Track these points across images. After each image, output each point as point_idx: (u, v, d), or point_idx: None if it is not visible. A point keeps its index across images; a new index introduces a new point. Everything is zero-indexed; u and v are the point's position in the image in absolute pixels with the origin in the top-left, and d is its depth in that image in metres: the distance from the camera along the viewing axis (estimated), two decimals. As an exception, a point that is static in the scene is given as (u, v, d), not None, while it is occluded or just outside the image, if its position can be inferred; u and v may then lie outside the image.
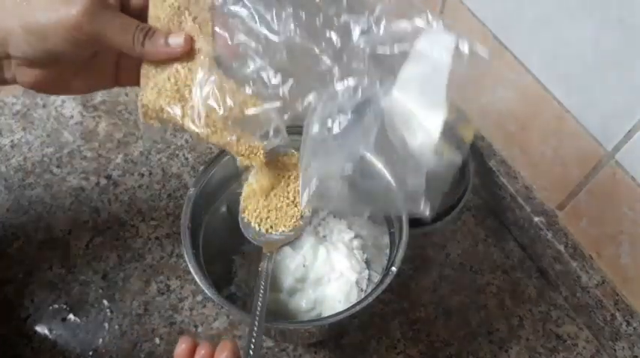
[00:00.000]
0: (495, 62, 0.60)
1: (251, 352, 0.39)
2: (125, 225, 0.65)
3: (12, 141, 0.71)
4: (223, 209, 0.56)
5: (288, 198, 0.48)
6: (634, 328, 0.55)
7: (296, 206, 0.48)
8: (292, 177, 0.48)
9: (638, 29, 0.44)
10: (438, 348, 0.59)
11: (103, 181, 0.68)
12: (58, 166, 0.69)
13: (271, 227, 0.48)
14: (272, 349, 0.58)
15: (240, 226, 0.48)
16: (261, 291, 0.43)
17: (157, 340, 0.58)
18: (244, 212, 0.48)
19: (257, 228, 0.48)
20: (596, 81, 0.49)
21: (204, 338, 0.58)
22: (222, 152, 0.53)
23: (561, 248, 0.59)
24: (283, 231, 0.48)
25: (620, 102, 0.48)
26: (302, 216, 0.48)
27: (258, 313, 0.42)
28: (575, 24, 0.49)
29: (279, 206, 0.48)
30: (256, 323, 0.41)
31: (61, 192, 0.67)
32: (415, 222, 0.58)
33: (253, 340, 0.40)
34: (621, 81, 0.47)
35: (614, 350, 0.57)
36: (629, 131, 0.48)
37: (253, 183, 0.48)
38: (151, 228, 0.65)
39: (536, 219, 0.61)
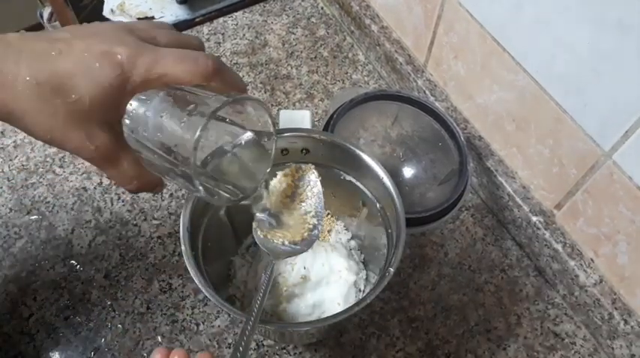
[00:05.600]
0: (494, 63, 0.60)
1: (238, 354, 0.39)
2: (127, 225, 0.66)
3: (15, 141, 0.72)
4: (222, 211, 0.57)
5: (298, 213, 0.49)
6: (631, 327, 0.55)
7: (306, 222, 0.49)
8: (302, 195, 0.50)
9: (636, 30, 0.44)
10: (436, 346, 0.59)
11: (106, 181, 0.69)
12: (60, 166, 0.70)
13: (280, 238, 0.48)
14: (273, 347, 0.58)
15: (253, 234, 0.48)
16: (260, 296, 0.43)
17: (159, 338, 0.59)
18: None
19: (267, 237, 0.48)
20: (593, 82, 0.50)
21: (206, 336, 0.59)
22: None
23: (559, 247, 0.59)
24: (290, 243, 0.48)
25: (618, 103, 0.48)
26: (311, 231, 0.48)
27: (253, 317, 0.42)
28: (573, 25, 0.49)
29: (289, 221, 0.49)
30: (249, 327, 0.41)
31: (63, 191, 0.68)
32: (414, 221, 0.59)
33: (243, 343, 0.40)
34: (618, 81, 0.47)
35: (612, 348, 0.58)
36: (627, 131, 0.49)
37: (265, 198, 0.48)
38: (153, 228, 0.66)
39: (533, 218, 0.61)
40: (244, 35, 0.84)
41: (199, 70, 0.38)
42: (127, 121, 0.39)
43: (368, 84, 0.80)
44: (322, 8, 0.88)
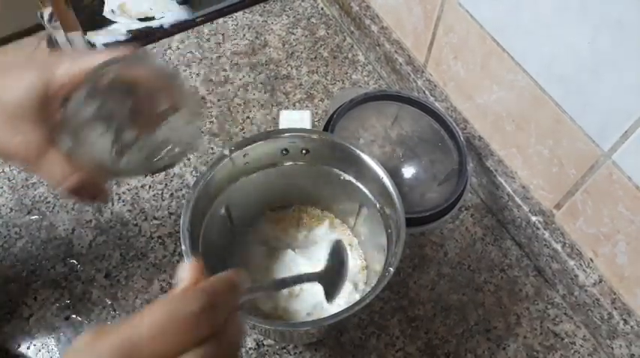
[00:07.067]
0: (493, 63, 0.60)
1: None
2: (128, 225, 0.66)
3: (16, 141, 0.72)
4: (222, 211, 0.57)
5: None
6: (631, 326, 0.55)
7: None
8: None
9: (636, 30, 0.44)
10: (436, 346, 0.59)
11: (106, 181, 0.69)
12: (61, 166, 0.70)
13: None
14: (273, 347, 0.58)
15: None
16: None
17: (159, 338, 0.59)
18: None
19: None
20: (593, 82, 0.50)
21: (206, 336, 0.59)
22: (222, 155, 0.54)
23: (558, 247, 0.60)
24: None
25: (617, 103, 0.48)
26: None
27: None
28: (573, 25, 0.49)
29: None
30: None
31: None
32: (414, 221, 0.59)
33: None
34: (618, 82, 0.47)
35: (612, 348, 0.58)
36: (626, 132, 0.49)
37: None
38: (154, 227, 0.66)
39: (533, 218, 0.61)
40: (244, 35, 0.84)
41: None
42: (63, 117, 0.40)
43: (368, 84, 0.80)
44: (322, 9, 0.88)
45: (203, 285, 0.32)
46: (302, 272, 0.58)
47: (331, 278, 0.50)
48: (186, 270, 0.33)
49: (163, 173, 0.70)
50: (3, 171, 0.69)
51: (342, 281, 0.49)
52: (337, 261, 0.50)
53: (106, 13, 0.87)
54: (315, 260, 0.59)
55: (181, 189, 0.69)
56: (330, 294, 0.49)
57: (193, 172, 0.70)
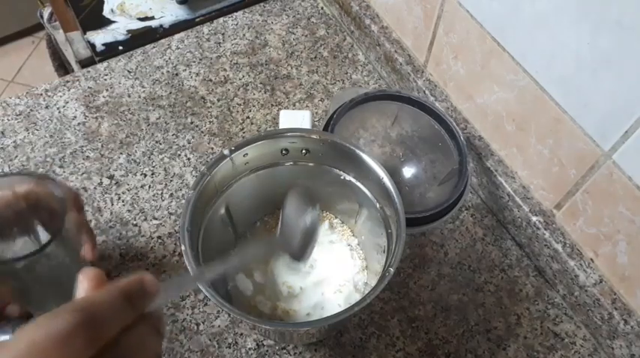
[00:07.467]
0: (493, 63, 0.60)
1: None
2: (127, 224, 0.66)
3: (15, 141, 0.72)
4: (222, 211, 0.57)
5: None
6: (631, 327, 0.55)
7: None
8: None
9: (635, 30, 0.44)
10: (436, 346, 0.59)
11: (106, 181, 0.69)
12: (60, 166, 0.70)
13: None
14: (272, 347, 0.58)
15: None
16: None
17: (159, 338, 0.59)
18: None
19: None
20: (593, 82, 0.50)
21: (206, 336, 0.59)
22: (222, 155, 0.54)
23: (558, 247, 0.60)
24: None
25: (617, 103, 0.48)
26: None
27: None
28: (573, 25, 0.49)
29: None
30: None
31: (64, 191, 0.68)
32: (414, 221, 0.59)
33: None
34: (618, 81, 0.47)
35: (612, 348, 0.58)
36: (626, 131, 0.49)
37: None
38: (154, 228, 0.66)
39: (533, 218, 0.61)
40: (244, 35, 0.84)
41: None
42: None
43: (368, 84, 0.80)
44: (322, 8, 0.88)
45: (78, 299, 0.27)
46: (303, 275, 0.58)
47: (290, 236, 0.42)
48: (83, 279, 0.29)
49: (164, 173, 0.70)
50: (2, 171, 0.69)
51: (303, 233, 0.41)
52: (293, 216, 0.42)
53: (106, 12, 0.87)
54: (313, 260, 0.59)
55: (181, 189, 0.69)
56: (297, 254, 0.42)
57: (193, 172, 0.70)
